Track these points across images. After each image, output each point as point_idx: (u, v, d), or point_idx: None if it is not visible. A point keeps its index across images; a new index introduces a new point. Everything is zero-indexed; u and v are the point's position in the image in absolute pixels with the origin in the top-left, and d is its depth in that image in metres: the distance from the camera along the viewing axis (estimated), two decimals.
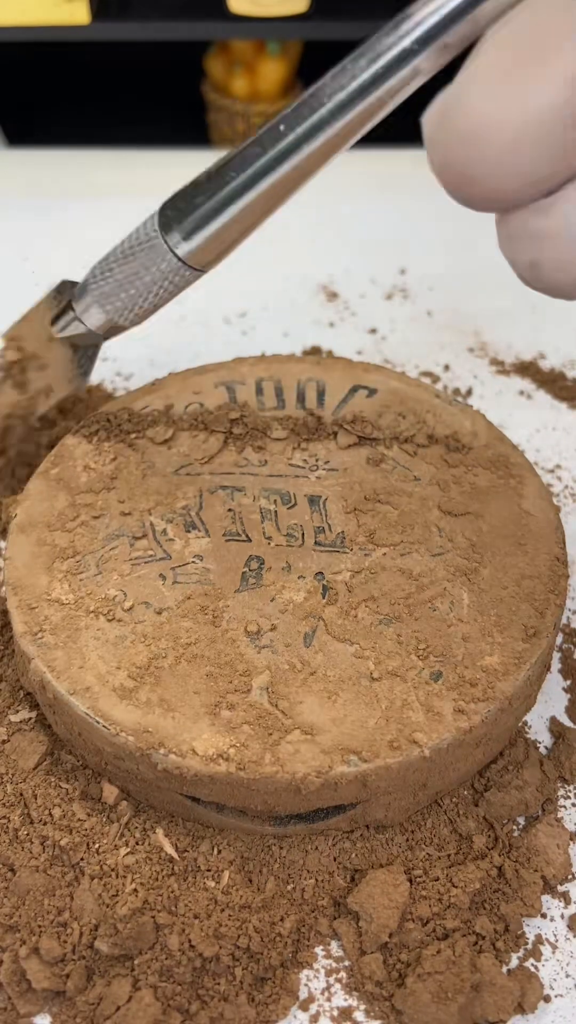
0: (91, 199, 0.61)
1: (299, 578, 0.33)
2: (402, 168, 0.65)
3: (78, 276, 0.51)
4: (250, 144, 0.30)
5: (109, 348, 0.51)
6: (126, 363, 0.50)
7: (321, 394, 0.40)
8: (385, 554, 0.34)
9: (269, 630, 0.32)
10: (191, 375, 0.42)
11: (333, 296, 0.54)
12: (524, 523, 0.35)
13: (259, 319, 0.53)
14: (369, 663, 0.31)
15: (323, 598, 0.33)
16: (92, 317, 0.36)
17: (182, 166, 0.65)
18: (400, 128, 0.80)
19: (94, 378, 0.49)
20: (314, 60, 0.75)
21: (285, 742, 0.29)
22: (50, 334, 0.37)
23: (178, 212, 0.32)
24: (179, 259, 0.32)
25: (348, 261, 0.57)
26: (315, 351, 0.50)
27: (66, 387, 0.38)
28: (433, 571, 0.34)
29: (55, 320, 0.37)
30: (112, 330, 0.36)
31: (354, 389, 0.41)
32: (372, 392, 0.40)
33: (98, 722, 0.30)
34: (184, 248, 0.32)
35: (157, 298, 0.34)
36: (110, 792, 0.31)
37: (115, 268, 0.34)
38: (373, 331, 0.52)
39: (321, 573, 0.34)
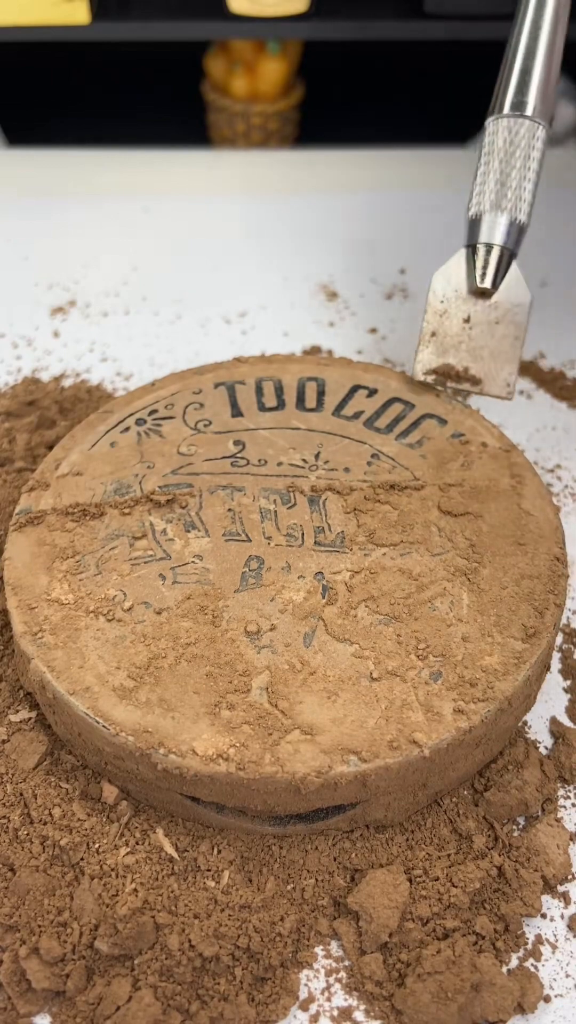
0: (91, 199, 0.62)
1: (299, 578, 0.33)
2: (402, 168, 0.65)
3: (77, 275, 0.51)
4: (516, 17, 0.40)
5: (109, 348, 0.51)
6: (126, 363, 0.50)
7: (321, 394, 0.40)
8: (385, 554, 0.34)
9: (269, 630, 0.32)
10: (191, 375, 0.42)
11: (333, 296, 0.54)
12: (524, 523, 0.35)
13: (259, 319, 0.53)
14: (369, 663, 0.31)
15: (323, 598, 0.33)
16: (499, 229, 0.39)
17: (182, 166, 0.65)
18: (401, 128, 0.80)
19: (94, 378, 0.49)
20: (314, 60, 0.75)
21: (285, 742, 0.29)
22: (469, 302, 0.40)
23: (507, 96, 0.39)
24: (536, 121, 0.39)
25: (348, 261, 0.57)
26: (315, 351, 0.50)
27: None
28: (433, 571, 0.34)
29: (476, 275, 0.39)
30: (518, 236, 0.39)
31: (354, 389, 0.41)
32: (372, 392, 0.40)
33: (98, 722, 0.30)
34: (532, 109, 0.39)
35: (534, 173, 0.39)
36: (110, 792, 0.31)
37: (487, 175, 0.39)
38: (373, 331, 0.52)
39: (321, 573, 0.34)
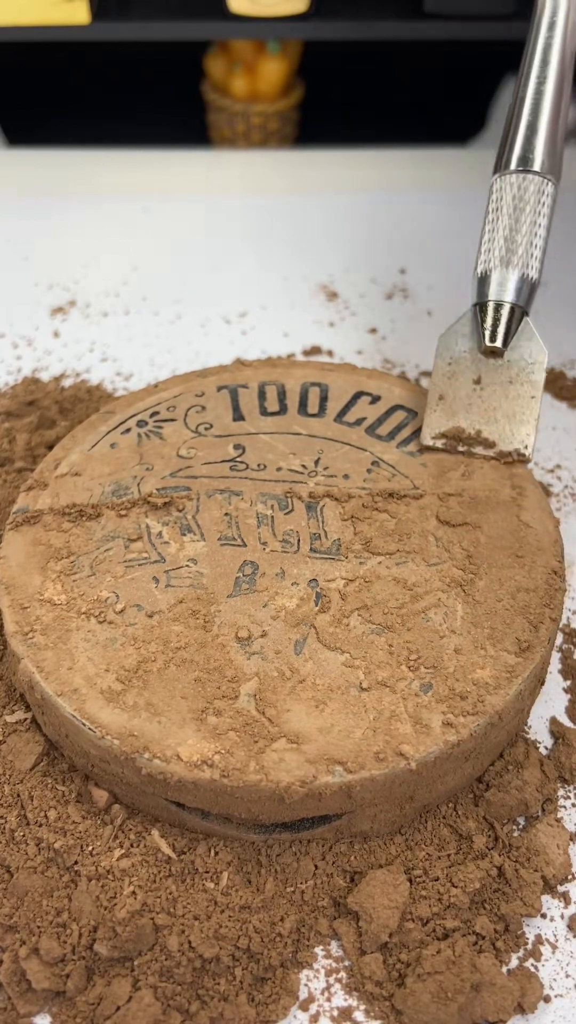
0: (91, 199, 0.62)
1: (293, 584, 0.33)
2: (402, 168, 0.65)
3: (77, 275, 0.51)
4: (520, 75, 0.39)
5: (109, 348, 0.51)
6: (126, 363, 0.50)
7: (324, 399, 0.40)
8: (380, 563, 0.34)
9: (260, 636, 0.32)
10: (194, 377, 0.42)
11: (333, 296, 0.54)
12: (523, 535, 0.35)
13: (259, 319, 0.53)
14: (359, 673, 0.31)
15: (316, 605, 0.33)
16: (509, 287, 0.37)
17: (182, 166, 0.65)
18: (401, 128, 0.80)
19: (94, 378, 0.49)
20: (314, 60, 0.75)
21: (270, 750, 0.29)
22: (476, 368, 0.38)
23: (513, 152, 0.38)
24: (544, 177, 0.38)
25: (348, 261, 0.57)
26: (315, 351, 0.50)
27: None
28: (428, 581, 0.33)
29: (485, 334, 0.37)
30: (529, 293, 0.37)
31: (357, 395, 0.40)
32: (375, 399, 0.40)
33: (84, 724, 0.30)
34: (540, 164, 0.38)
35: (544, 229, 0.37)
36: (100, 796, 0.31)
37: (495, 232, 0.38)
38: (373, 331, 0.52)
39: (315, 580, 0.33)
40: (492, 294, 0.37)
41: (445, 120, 0.75)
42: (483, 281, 0.38)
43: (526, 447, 0.38)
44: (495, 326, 0.37)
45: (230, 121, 0.74)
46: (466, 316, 0.38)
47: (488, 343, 0.37)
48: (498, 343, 0.37)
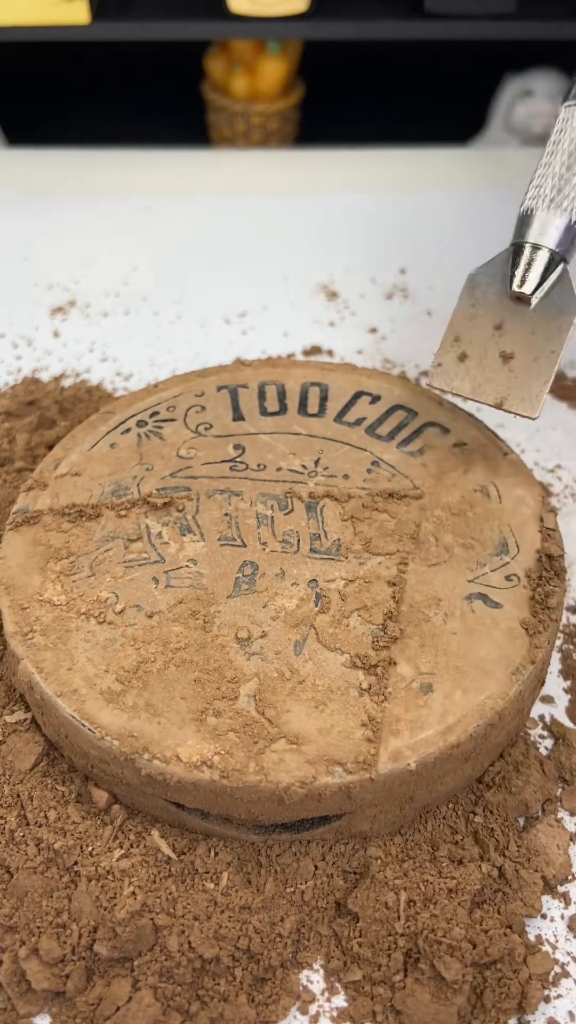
0: (91, 199, 0.62)
1: (292, 585, 0.33)
2: (402, 168, 0.65)
3: (77, 275, 0.50)
4: None
5: (109, 348, 0.51)
6: (126, 363, 0.50)
7: (324, 399, 0.40)
8: (380, 563, 0.34)
9: (259, 637, 0.32)
10: (193, 377, 0.42)
11: (333, 296, 0.54)
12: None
13: (259, 319, 0.53)
14: (359, 673, 0.31)
15: (315, 606, 0.33)
16: (552, 231, 0.34)
17: (182, 166, 0.65)
18: (401, 128, 0.80)
19: (94, 378, 0.49)
20: (314, 60, 0.75)
21: (270, 751, 0.29)
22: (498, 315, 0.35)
23: None
24: None
25: (348, 261, 0.57)
26: (315, 351, 0.50)
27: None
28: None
29: (515, 277, 0.34)
30: (573, 241, 0.34)
31: (357, 395, 0.40)
32: (375, 399, 0.40)
33: (83, 725, 0.30)
34: None
35: None
36: (100, 796, 0.31)
37: (549, 167, 0.34)
38: (373, 331, 0.52)
39: (315, 580, 0.33)
40: (531, 236, 0.34)
41: (445, 120, 0.75)
42: (524, 221, 0.34)
43: (536, 403, 0.35)
44: (527, 270, 0.34)
45: (230, 121, 0.74)
46: (500, 256, 0.35)
47: (516, 287, 0.34)
48: (526, 289, 0.34)
